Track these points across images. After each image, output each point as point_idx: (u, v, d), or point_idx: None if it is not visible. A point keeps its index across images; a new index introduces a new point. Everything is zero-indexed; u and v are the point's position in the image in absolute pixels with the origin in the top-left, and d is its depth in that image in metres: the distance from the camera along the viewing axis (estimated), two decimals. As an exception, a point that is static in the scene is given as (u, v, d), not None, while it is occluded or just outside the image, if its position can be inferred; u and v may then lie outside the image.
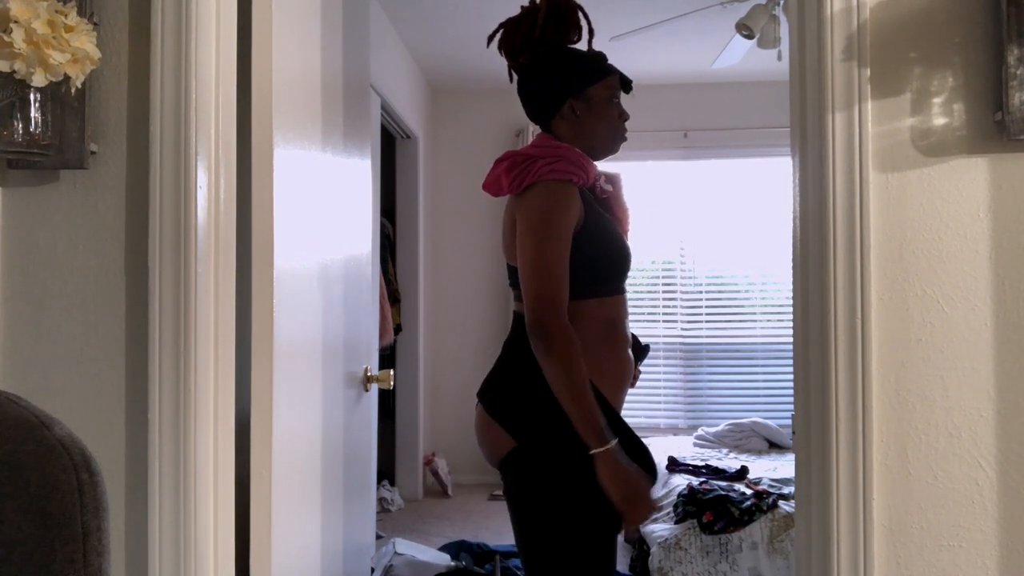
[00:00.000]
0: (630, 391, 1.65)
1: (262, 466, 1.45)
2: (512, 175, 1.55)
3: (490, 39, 1.66)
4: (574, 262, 1.49)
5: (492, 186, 1.62)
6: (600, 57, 1.63)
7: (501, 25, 1.65)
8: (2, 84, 1.23)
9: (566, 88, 1.59)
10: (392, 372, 2.05)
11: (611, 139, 1.64)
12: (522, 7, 1.62)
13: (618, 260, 1.59)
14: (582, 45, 1.66)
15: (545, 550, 1.49)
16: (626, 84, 1.67)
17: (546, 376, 1.43)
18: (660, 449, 4.05)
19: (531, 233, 1.49)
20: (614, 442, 1.41)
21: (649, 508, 1.45)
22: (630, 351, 1.61)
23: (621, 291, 1.61)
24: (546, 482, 1.48)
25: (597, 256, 1.54)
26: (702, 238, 5.12)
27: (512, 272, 1.62)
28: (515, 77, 1.68)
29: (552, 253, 1.46)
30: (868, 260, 1.30)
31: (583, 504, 1.46)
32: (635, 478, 1.43)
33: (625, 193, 1.79)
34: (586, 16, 1.64)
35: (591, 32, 1.66)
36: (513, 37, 1.62)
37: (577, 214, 1.51)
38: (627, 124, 1.67)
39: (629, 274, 1.63)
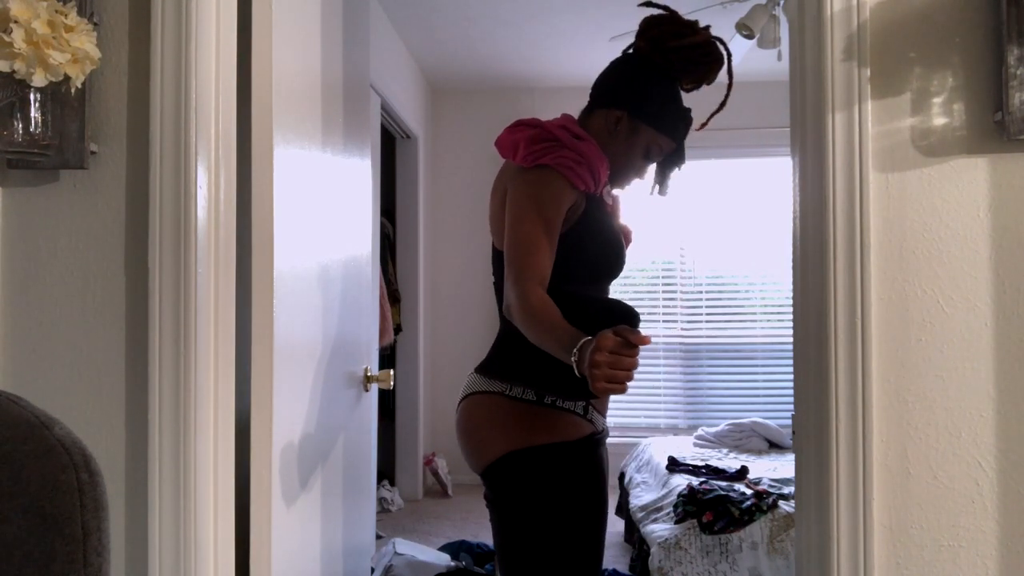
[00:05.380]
0: (630, 390, 1.61)
1: (262, 466, 1.45)
2: (533, 148, 1.47)
3: (650, 3, 1.55)
4: (565, 251, 1.46)
5: (508, 149, 1.52)
6: (685, 119, 1.56)
7: (668, 9, 1.54)
8: (2, 84, 1.23)
9: (634, 104, 1.52)
10: (392, 372, 2.05)
11: (617, 176, 1.59)
12: (691, 23, 1.52)
13: (606, 260, 1.54)
14: (697, 99, 1.58)
15: (543, 556, 1.44)
16: (678, 159, 1.60)
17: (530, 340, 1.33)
18: (660, 449, 4.05)
19: (530, 214, 1.42)
20: (573, 359, 1.21)
21: (598, 366, 1.14)
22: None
23: (604, 293, 1.57)
24: (543, 487, 1.44)
25: (590, 248, 1.50)
26: (702, 238, 5.12)
27: (498, 257, 1.55)
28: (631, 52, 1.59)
29: (545, 237, 1.40)
30: (868, 260, 1.30)
31: (578, 507, 1.44)
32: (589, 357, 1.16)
33: (623, 215, 1.73)
34: (728, 92, 1.57)
35: (721, 106, 1.57)
36: (659, 24, 1.52)
37: (566, 208, 1.46)
38: None
39: (625, 276, 1.59)
